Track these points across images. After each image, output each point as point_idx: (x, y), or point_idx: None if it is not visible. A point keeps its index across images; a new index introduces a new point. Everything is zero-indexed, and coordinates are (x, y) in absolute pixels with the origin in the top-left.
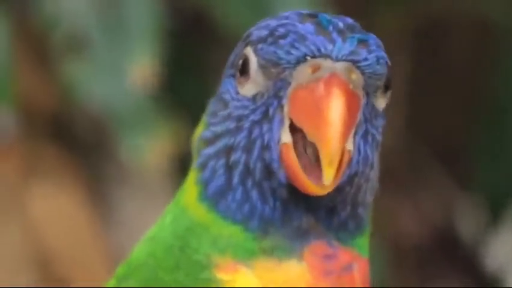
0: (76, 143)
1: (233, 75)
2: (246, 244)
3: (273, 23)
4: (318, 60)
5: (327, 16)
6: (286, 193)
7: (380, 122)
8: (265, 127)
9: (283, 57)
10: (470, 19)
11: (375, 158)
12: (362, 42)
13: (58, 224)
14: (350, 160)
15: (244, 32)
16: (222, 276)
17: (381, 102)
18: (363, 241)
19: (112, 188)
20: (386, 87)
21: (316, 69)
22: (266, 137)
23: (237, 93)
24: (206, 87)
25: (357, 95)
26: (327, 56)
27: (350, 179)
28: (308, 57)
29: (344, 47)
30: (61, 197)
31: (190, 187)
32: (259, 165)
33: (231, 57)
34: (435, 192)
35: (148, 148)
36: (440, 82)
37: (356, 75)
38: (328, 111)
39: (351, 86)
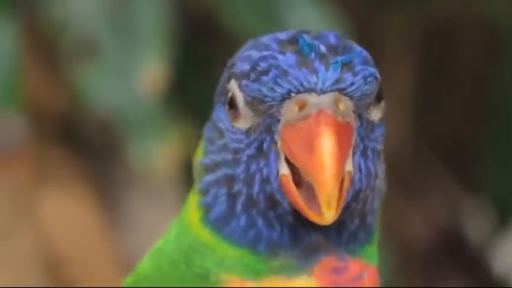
0: (85, 146)
1: (223, 103)
2: (254, 265)
3: (254, 54)
4: (303, 96)
5: (308, 39)
6: (293, 218)
7: (379, 132)
8: (261, 162)
9: (268, 95)
10: (478, 21)
11: (378, 167)
12: (346, 65)
13: (68, 228)
14: (352, 180)
15: (252, 36)
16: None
17: (375, 114)
18: (372, 249)
19: (120, 192)
20: (378, 98)
21: (302, 106)
22: (265, 172)
23: (232, 125)
24: (215, 91)
25: (348, 123)
26: (311, 90)
27: (355, 196)
28: (293, 94)
29: (328, 76)
30: (71, 201)
31: (193, 208)
32: (262, 196)
33: (221, 81)
34: (443, 195)
35: (157, 152)
36: (447, 84)
37: (344, 104)
38: (320, 154)
39: (339, 118)
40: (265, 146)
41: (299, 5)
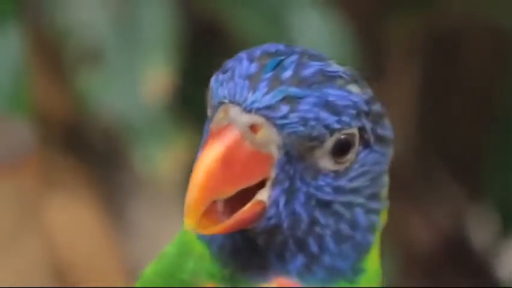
0: (91, 153)
1: None
2: (211, 268)
3: (241, 54)
4: (229, 106)
5: (289, 60)
6: None
7: (328, 182)
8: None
9: (213, 93)
10: (485, 26)
11: (320, 215)
12: (290, 98)
13: (73, 233)
14: (263, 209)
15: (257, 41)
16: None
17: (327, 163)
18: (360, 283)
19: (125, 198)
20: (341, 150)
21: (225, 114)
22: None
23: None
24: None
25: (259, 153)
26: (238, 104)
27: (274, 229)
28: (226, 101)
29: (262, 99)
30: (76, 207)
31: None
32: None
33: None
34: (447, 201)
35: (162, 158)
36: (452, 90)
37: (264, 133)
38: (198, 163)
39: (247, 142)
40: None
41: (304, 10)
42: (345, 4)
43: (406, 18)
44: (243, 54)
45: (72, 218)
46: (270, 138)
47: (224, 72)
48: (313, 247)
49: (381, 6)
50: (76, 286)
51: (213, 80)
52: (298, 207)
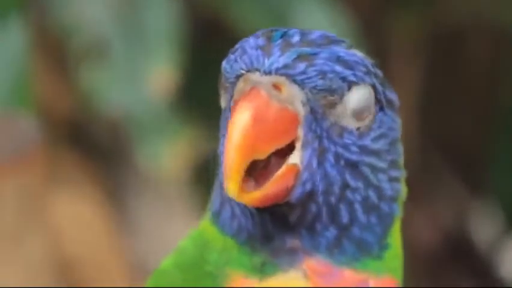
0: (95, 150)
1: None
2: (241, 258)
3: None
4: (248, 75)
5: (292, 31)
6: (253, 208)
7: (353, 141)
8: (222, 140)
9: (228, 71)
10: (487, 25)
11: (351, 178)
12: (306, 56)
13: (78, 231)
14: (298, 174)
15: None
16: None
17: (351, 121)
18: (385, 264)
19: (130, 195)
20: (357, 106)
21: (246, 83)
22: (221, 150)
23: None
24: None
25: (286, 109)
26: (257, 70)
27: (308, 197)
28: (243, 72)
29: (278, 60)
30: (81, 204)
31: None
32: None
33: None
34: (450, 199)
35: (166, 155)
36: (455, 88)
37: (288, 90)
38: (231, 126)
39: (274, 100)
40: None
41: (308, 8)
42: (348, 1)
43: (408, 16)
44: (247, 38)
45: (76, 215)
46: (293, 94)
47: (234, 52)
48: (345, 217)
49: (384, 4)
50: (80, 283)
51: (224, 62)
52: (330, 168)
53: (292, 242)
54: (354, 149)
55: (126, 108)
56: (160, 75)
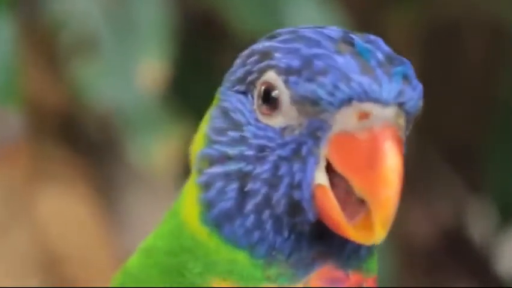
0: (84, 144)
1: (243, 93)
2: (250, 270)
3: (304, 49)
4: (366, 106)
5: (362, 42)
6: (309, 229)
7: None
8: (295, 166)
9: (324, 98)
10: (484, 20)
11: None
12: (405, 77)
13: (65, 225)
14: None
15: (255, 34)
16: None
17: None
18: (372, 259)
19: (119, 189)
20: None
21: (363, 116)
22: (297, 177)
23: (257, 120)
24: (215, 89)
25: (403, 141)
26: (376, 101)
27: None
28: (354, 101)
29: (392, 88)
30: (69, 198)
31: (191, 204)
32: (284, 201)
33: (238, 70)
34: (446, 195)
35: (156, 149)
36: (451, 84)
37: (402, 120)
38: (384, 170)
39: (400, 134)
40: (304, 150)
41: (301, 4)
42: None
43: (405, 9)
44: (320, 50)
45: (64, 210)
46: (403, 123)
47: (321, 74)
48: None
49: (380, 0)
50: (68, 278)
51: (313, 85)
52: None
53: (319, 251)
54: None
55: (115, 102)
56: (150, 69)
